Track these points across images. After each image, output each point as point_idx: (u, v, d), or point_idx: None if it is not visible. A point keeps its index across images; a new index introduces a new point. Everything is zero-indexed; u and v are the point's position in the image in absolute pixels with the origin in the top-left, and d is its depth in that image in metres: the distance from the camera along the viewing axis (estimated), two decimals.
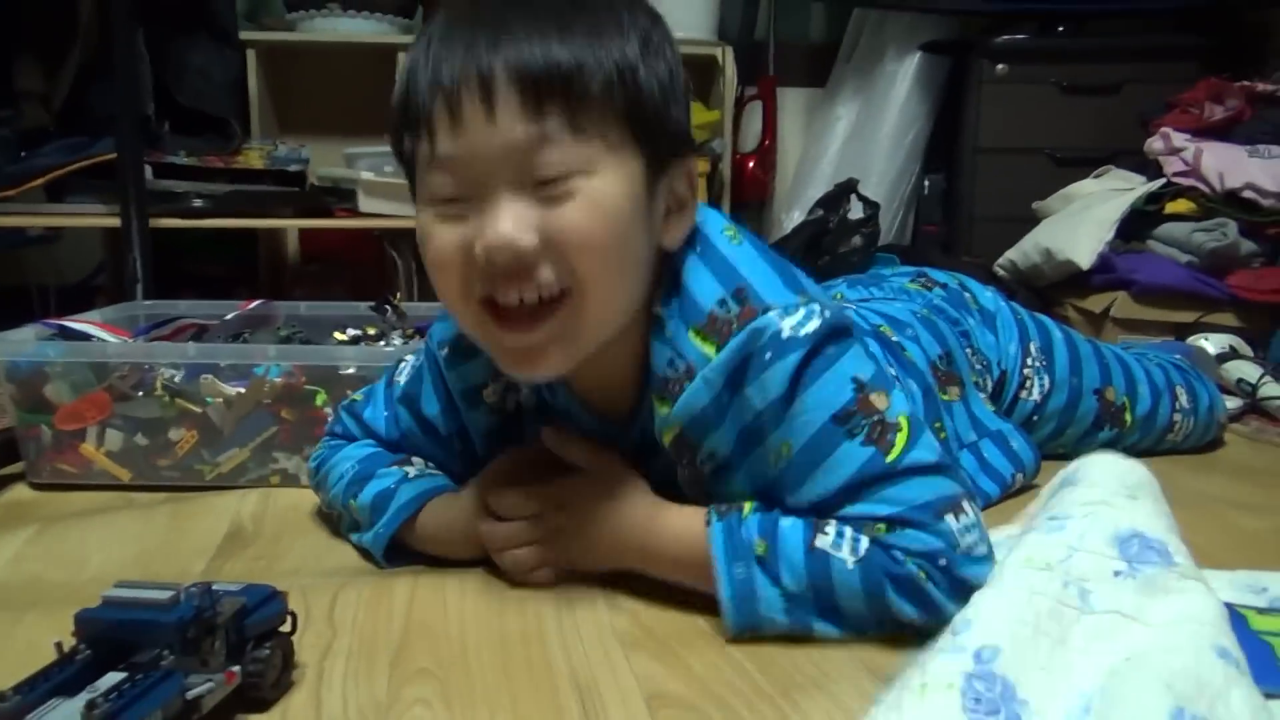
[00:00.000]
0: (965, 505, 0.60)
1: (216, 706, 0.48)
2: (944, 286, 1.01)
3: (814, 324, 0.60)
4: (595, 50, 0.57)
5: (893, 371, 0.80)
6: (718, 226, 0.67)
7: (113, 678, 0.46)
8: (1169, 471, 1.00)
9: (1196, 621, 0.45)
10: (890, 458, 0.59)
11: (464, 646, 0.60)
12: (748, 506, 0.63)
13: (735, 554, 0.60)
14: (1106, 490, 0.57)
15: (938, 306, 0.96)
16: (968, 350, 0.94)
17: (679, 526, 0.65)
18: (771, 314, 0.61)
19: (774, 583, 0.60)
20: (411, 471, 0.76)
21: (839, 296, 1.01)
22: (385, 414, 0.80)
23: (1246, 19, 2.20)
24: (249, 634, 0.52)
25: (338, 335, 1.13)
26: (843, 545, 0.59)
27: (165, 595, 0.50)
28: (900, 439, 0.60)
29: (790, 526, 0.61)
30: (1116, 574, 0.50)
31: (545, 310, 0.59)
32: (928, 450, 0.61)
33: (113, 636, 0.49)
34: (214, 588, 0.52)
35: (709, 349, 0.62)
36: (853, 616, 0.59)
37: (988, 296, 1.02)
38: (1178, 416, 1.05)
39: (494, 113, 0.56)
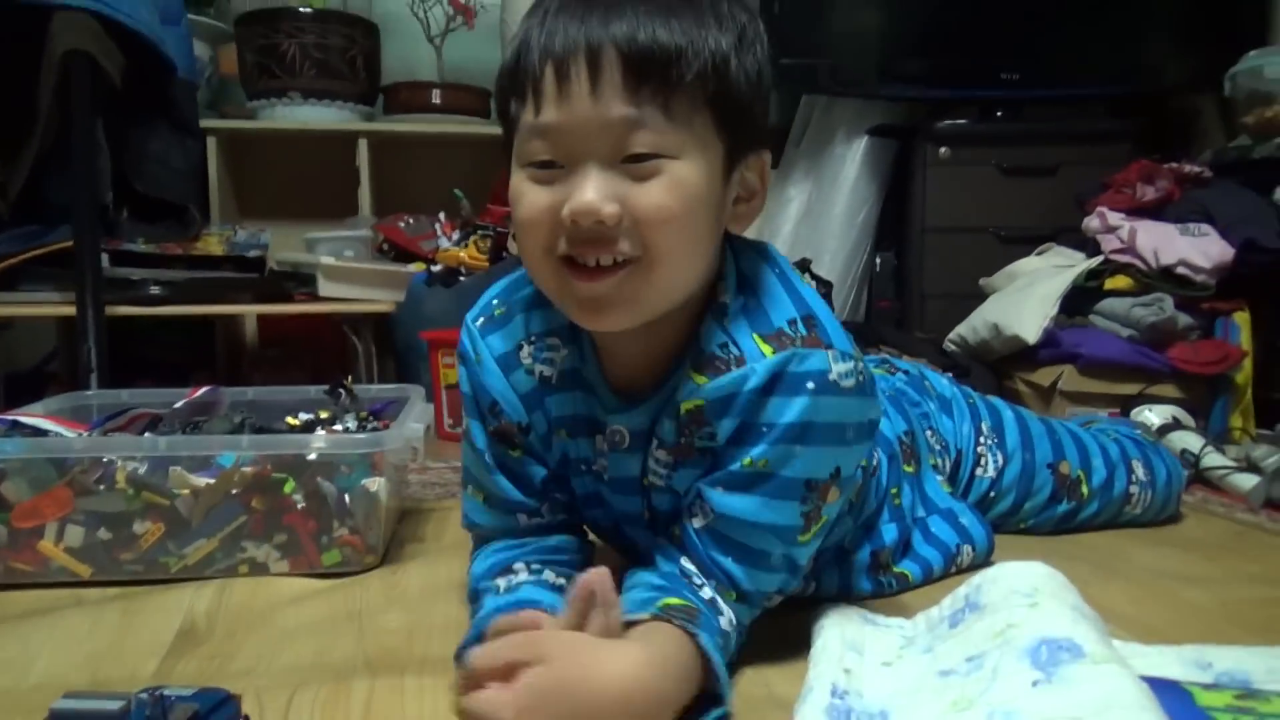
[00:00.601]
0: (783, 593, 0.72)
1: None
2: (906, 373, 1.07)
3: (851, 382, 0.66)
4: (695, 40, 0.61)
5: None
6: (790, 265, 0.73)
7: None
8: (1120, 545, 1.04)
9: (1119, 707, 0.47)
10: (800, 537, 0.68)
11: None
12: (696, 606, 0.65)
13: (724, 660, 0.63)
14: (1008, 611, 0.60)
15: (900, 389, 1.02)
16: (928, 431, 0.98)
17: (673, 652, 0.60)
18: (830, 353, 0.66)
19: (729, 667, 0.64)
20: (501, 585, 0.72)
21: None
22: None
23: (1173, 105, 2.32)
24: None
25: (290, 420, 1.13)
26: (730, 626, 0.66)
27: (114, 706, 0.49)
28: (815, 530, 0.69)
29: (710, 614, 0.65)
30: (1035, 684, 0.52)
31: (617, 268, 0.63)
32: (808, 551, 0.70)
33: None
34: (164, 694, 0.51)
35: (767, 350, 0.67)
36: None
37: (944, 384, 1.07)
38: (1134, 489, 1.08)
39: (598, 87, 0.60)
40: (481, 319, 0.78)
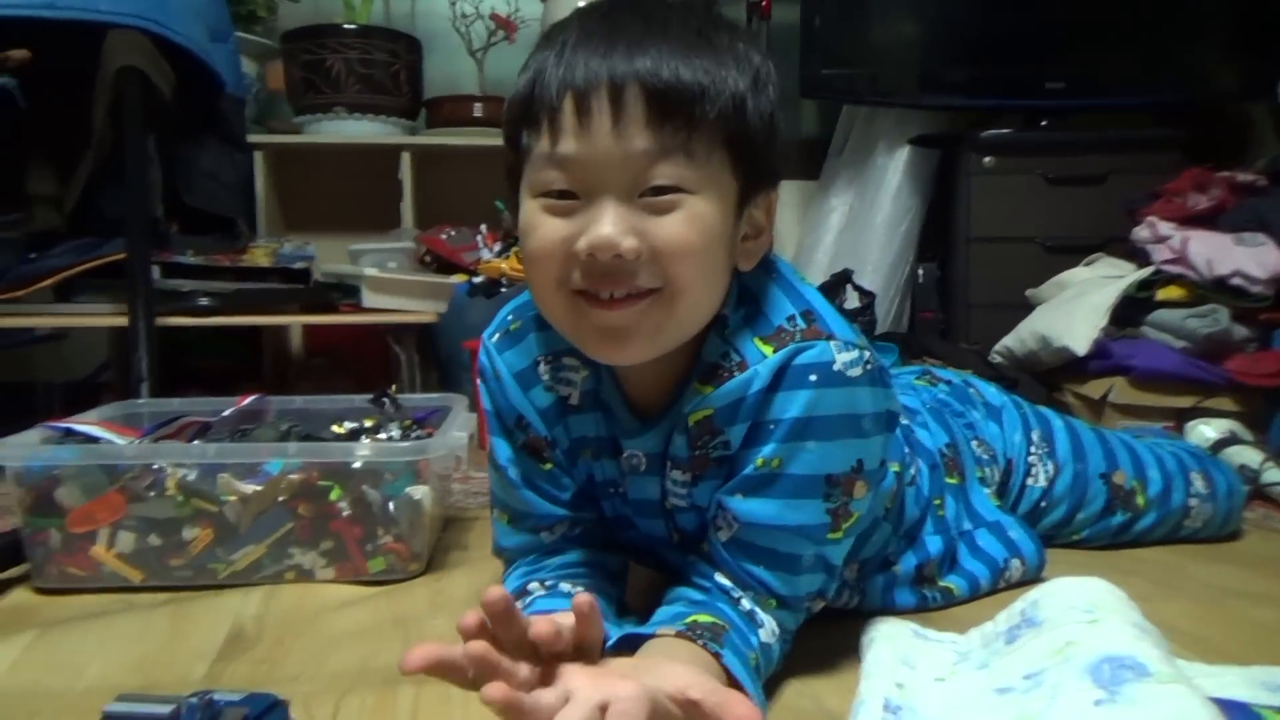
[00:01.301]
0: (825, 596, 0.71)
1: None
2: (948, 383, 1.05)
3: (858, 370, 0.65)
4: (716, 79, 0.61)
5: (907, 450, 0.85)
6: (792, 270, 0.73)
7: None
8: (1178, 561, 1.01)
9: None
10: (830, 535, 0.68)
11: None
12: (726, 623, 0.64)
13: (754, 677, 0.62)
14: (1067, 627, 0.59)
15: (943, 400, 1.00)
16: (974, 442, 0.96)
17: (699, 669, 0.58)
18: (833, 343, 0.65)
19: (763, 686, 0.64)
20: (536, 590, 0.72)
21: None
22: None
23: (1225, 112, 2.27)
24: None
25: (335, 428, 1.14)
26: (772, 636, 0.66)
27: (165, 709, 0.49)
28: (845, 527, 0.68)
29: (746, 629, 0.65)
30: (1098, 703, 0.50)
31: (636, 298, 0.62)
32: (841, 550, 0.70)
33: None
34: (214, 698, 0.52)
35: (768, 350, 0.66)
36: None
37: (992, 392, 1.05)
38: (1193, 501, 1.05)
39: (620, 120, 0.59)
40: (497, 335, 0.77)
